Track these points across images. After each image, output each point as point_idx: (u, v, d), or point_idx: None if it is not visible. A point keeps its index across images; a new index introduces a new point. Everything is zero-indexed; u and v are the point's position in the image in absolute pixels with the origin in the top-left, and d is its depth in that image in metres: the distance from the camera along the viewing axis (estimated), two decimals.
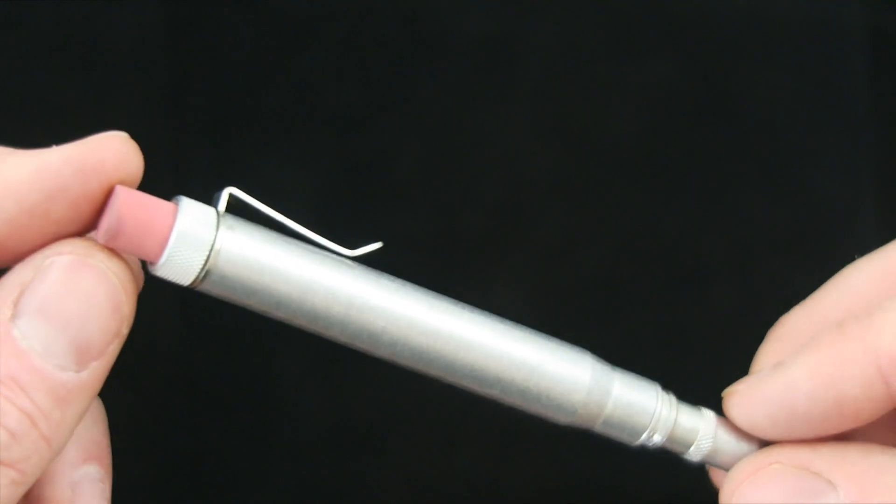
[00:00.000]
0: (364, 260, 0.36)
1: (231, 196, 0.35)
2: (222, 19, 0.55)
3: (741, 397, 0.37)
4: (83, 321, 0.32)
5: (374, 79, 0.56)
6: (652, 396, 0.38)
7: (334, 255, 0.35)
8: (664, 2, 0.57)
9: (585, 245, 0.57)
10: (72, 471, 0.36)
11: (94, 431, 0.37)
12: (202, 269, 0.34)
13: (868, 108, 0.58)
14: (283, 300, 0.35)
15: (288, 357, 0.55)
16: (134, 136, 0.35)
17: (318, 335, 0.36)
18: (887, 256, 0.39)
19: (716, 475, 0.40)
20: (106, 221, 0.33)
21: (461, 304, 0.37)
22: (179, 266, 0.34)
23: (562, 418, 0.37)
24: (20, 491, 0.32)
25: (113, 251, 0.33)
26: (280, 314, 0.35)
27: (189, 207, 0.34)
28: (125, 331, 0.33)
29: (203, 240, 0.34)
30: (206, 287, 0.34)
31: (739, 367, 0.40)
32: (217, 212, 0.34)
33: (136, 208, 0.33)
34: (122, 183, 0.34)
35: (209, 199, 0.35)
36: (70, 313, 0.32)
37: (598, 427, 0.38)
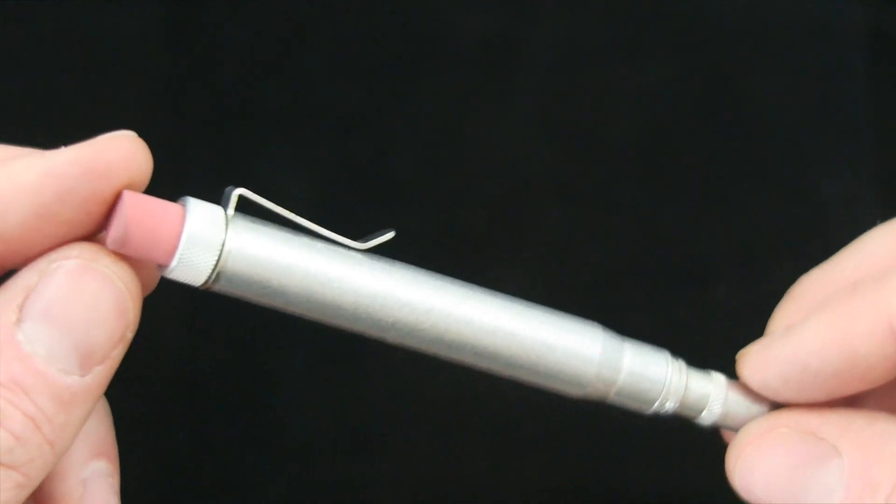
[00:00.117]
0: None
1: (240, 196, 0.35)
2: (222, 19, 0.55)
3: (754, 358, 0.37)
4: (88, 326, 0.32)
5: (374, 79, 0.56)
6: (662, 364, 0.38)
7: (344, 248, 0.35)
8: (664, 2, 0.57)
9: (586, 244, 0.57)
10: (81, 467, 0.36)
11: (100, 428, 0.37)
12: (213, 269, 0.34)
13: (868, 108, 0.58)
14: (295, 296, 0.35)
15: (288, 358, 0.55)
16: None
17: (333, 327, 0.36)
18: None
19: (730, 439, 0.40)
20: (114, 229, 0.33)
21: (469, 285, 0.37)
22: (191, 268, 0.34)
23: (575, 392, 0.37)
24: (24, 494, 0.32)
25: (120, 255, 0.33)
26: (292, 309, 0.35)
27: (197, 208, 0.34)
28: (130, 335, 0.33)
29: (213, 241, 0.34)
30: (218, 287, 0.34)
31: None
32: (225, 211, 0.34)
33: (143, 214, 0.33)
34: (132, 182, 0.33)
35: (210, 198, 0.35)
36: (75, 318, 0.32)
37: (611, 398, 0.38)
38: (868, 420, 0.36)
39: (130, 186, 0.33)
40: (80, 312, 0.32)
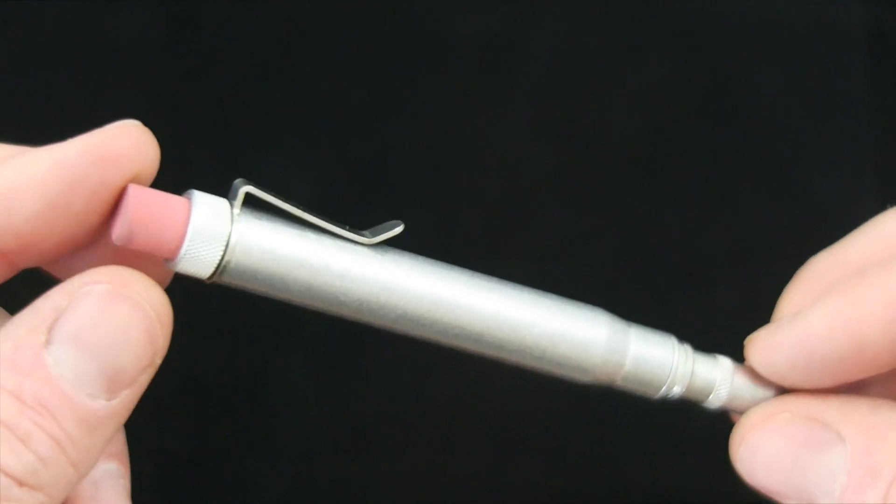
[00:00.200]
0: None
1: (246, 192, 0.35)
2: (222, 19, 0.55)
3: (761, 342, 0.37)
4: (116, 351, 0.32)
5: (374, 79, 0.56)
6: (669, 349, 0.38)
7: (349, 242, 0.35)
8: (664, 2, 0.57)
9: (586, 244, 0.57)
10: (93, 469, 0.36)
11: None
12: (220, 262, 0.34)
13: (868, 108, 0.58)
14: (302, 288, 0.35)
15: (288, 357, 0.55)
16: None
17: (340, 317, 0.36)
18: None
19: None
20: (120, 223, 0.33)
21: (476, 274, 0.37)
22: (197, 261, 0.34)
23: (582, 378, 0.37)
24: None
25: (150, 281, 0.33)
26: (300, 301, 0.35)
27: (203, 201, 0.34)
28: (158, 361, 0.33)
29: (219, 234, 0.34)
30: (224, 279, 0.34)
31: None
32: (231, 204, 0.34)
33: (149, 207, 0.33)
34: (141, 170, 0.33)
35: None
36: (103, 343, 0.32)
37: (618, 384, 0.38)
38: (872, 407, 0.36)
39: (140, 175, 0.34)
40: (109, 338, 0.32)
